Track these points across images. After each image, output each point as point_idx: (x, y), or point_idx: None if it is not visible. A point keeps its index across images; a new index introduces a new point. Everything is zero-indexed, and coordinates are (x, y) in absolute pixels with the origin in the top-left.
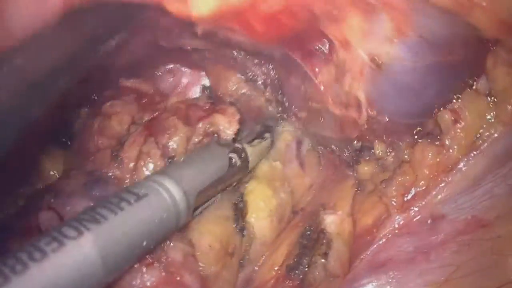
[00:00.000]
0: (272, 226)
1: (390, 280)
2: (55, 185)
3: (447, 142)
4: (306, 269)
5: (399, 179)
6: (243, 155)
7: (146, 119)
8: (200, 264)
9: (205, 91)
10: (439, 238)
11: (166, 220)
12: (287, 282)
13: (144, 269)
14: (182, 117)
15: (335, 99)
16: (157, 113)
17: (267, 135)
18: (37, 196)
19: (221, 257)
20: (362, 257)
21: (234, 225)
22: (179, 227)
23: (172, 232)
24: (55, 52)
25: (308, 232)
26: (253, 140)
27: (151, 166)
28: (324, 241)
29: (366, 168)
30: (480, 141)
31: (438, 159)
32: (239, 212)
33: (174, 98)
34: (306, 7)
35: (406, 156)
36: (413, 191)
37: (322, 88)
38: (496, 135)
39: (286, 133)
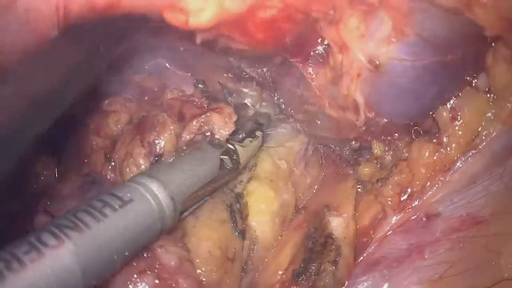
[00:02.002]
0: (274, 228)
1: (384, 278)
2: (51, 188)
3: (444, 140)
4: (315, 277)
5: (396, 178)
6: (234, 156)
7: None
8: (201, 271)
9: (199, 85)
10: (433, 235)
11: (151, 227)
12: None
13: (137, 277)
14: (175, 115)
15: (332, 102)
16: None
17: (258, 133)
18: (33, 199)
19: (222, 263)
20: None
21: (232, 229)
22: (163, 232)
23: (156, 238)
24: (56, 67)
25: (314, 234)
26: (244, 139)
27: (133, 167)
28: (333, 247)
29: (366, 169)
30: (478, 140)
31: (435, 158)
32: (236, 215)
33: (168, 94)
34: (303, 10)
35: (404, 155)
36: (409, 191)
37: (318, 91)
38: (494, 133)
39: (302, 136)
